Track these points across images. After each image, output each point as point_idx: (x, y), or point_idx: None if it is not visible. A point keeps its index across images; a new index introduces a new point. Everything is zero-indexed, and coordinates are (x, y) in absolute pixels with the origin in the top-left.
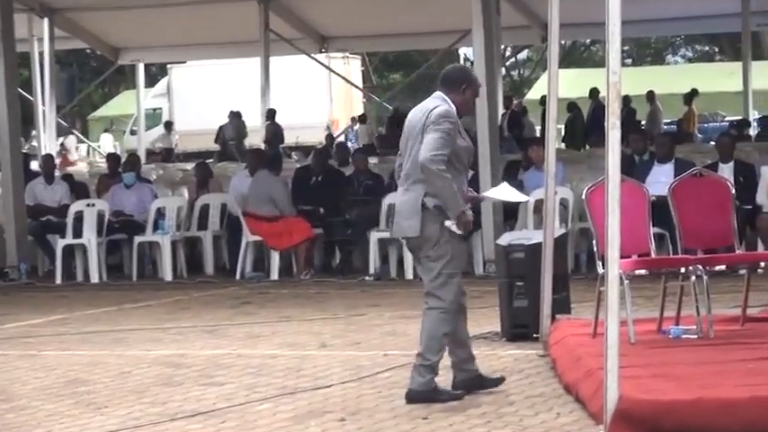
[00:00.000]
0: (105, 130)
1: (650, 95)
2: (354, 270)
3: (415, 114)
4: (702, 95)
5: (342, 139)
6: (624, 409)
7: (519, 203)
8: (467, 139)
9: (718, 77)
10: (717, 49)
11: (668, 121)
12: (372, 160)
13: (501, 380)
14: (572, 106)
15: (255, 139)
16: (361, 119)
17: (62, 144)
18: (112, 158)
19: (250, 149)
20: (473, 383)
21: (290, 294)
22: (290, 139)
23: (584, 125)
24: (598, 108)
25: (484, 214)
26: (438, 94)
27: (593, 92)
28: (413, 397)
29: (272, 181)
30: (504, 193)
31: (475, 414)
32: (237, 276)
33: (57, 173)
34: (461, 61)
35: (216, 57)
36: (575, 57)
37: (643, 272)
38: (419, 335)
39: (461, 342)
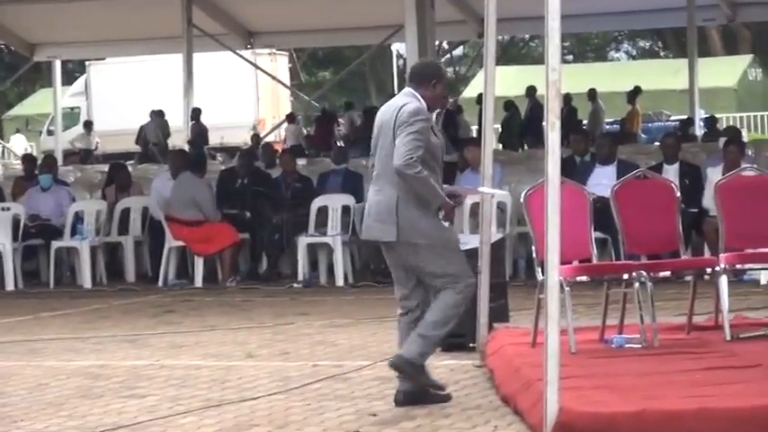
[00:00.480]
0: (17, 131)
1: (592, 94)
2: (282, 277)
3: (385, 112)
4: (646, 93)
5: (271, 138)
6: (565, 422)
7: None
8: (439, 135)
9: (663, 75)
10: (661, 45)
11: (611, 120)
12: (301, 162)
13: (448, 397)
14: (509, 105)
15: (179, 139)
16: (290, 118)
17: None
18: (28, 160)
19: (172, 150)
20: (418, 397)
21: (215, 302)
22: (214, 139)
23: (521, 125)
24: (535, 107)
25: None
26: (407, 90)
27: (530, 90)
28: (399, 365)
29: (196, 184)
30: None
31: (409, 427)
32: (160, 283)
33: None
34: (394, 58)
35: (137, 53)
36: (513, 53)
37: (584, 278)
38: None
39: None
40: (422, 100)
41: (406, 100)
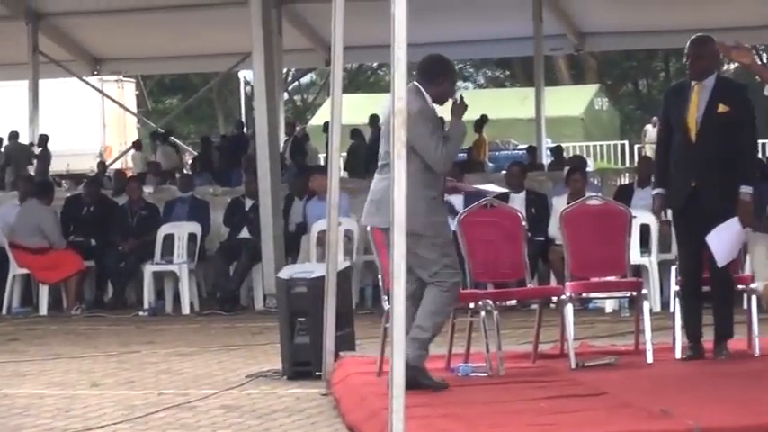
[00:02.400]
0: None
1: None
2: (128, 305)
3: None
4: (493, 122)
5: (117, 166)
6: None
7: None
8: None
9: (510, 104)
10: (508, 74)
11: None
12: (147, 189)
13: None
14: (355, 133)
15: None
16: (136, 145)
17: None
18: None
19: (18, 176)
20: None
21: (60, 330)
22: (60, 166)
23: (367, 153)
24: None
25: (264, 245)
26: (413, 86)
27: (374, 118)
28: None
29: (41, 211)
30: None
31: None
32: (4, 311)
33: None
34: (241, 85)
35: None
36: (360, 81)
37: None
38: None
39: None
40: (427, 95)
41: (408, 98)
